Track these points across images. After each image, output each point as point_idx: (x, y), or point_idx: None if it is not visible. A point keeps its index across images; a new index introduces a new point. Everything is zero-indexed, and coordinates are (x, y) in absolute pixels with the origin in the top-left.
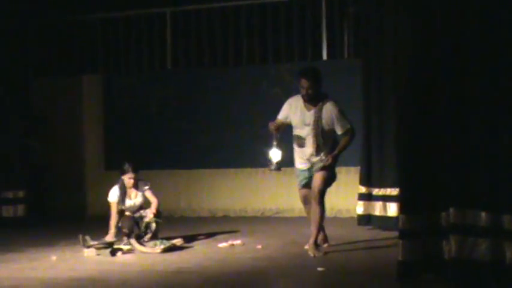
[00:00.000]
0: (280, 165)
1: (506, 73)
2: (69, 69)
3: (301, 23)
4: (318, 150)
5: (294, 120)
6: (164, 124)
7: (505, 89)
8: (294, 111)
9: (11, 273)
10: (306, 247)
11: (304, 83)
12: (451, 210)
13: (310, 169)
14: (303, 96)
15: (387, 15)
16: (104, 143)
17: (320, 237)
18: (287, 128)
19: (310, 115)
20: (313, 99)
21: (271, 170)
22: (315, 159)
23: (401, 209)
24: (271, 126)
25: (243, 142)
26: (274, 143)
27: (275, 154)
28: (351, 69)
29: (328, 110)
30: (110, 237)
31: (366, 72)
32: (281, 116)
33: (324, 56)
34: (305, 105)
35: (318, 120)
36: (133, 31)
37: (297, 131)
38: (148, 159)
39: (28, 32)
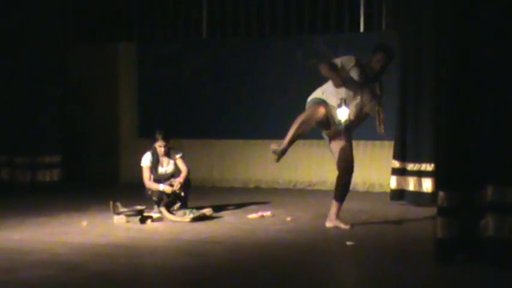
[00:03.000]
0: (349, 123)
1: None
2: (105, 35)
3: None
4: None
5: (354, 77)
6: (198, 93)
7: None
8: (359, 70)
9: (42, 237)
10: (328, 224)
11: (382, 58)
12: (490, 187)
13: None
14: (372, 68)
15: None
16: (138, 110)
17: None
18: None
19: (371, 86)
20: (376, 78)
21: (340, 129)
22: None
23: (440, 186)
24: (337, 79)
25: (277, 113)
26: (342, 100)
27: (343, 112)
28: (388, 41)
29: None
30: (168, 190)
31: (403, 44)
32: (341, 60)
33: (361, 28)
34: (366, 75)
35: (373, 98)
36: None
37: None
38: (182, 128)
39: None
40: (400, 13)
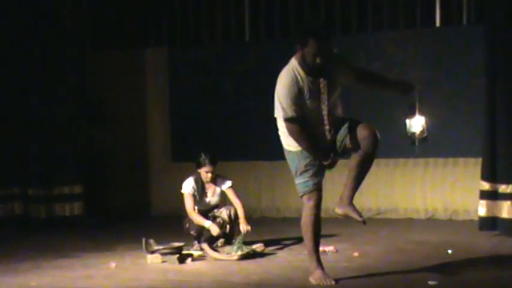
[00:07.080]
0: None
1: None
2: (130, 40)
3: None
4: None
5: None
6: (241, 106)
7: None
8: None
9: (63, 282)
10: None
11: (314, 47)
12: None
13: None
14: (313, 66)
15: None
16: (171, 129)
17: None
18: None
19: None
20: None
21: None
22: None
23: None
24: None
25: None
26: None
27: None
28: (470, 38)
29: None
30: (214, 231)
31: (490, 43)
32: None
33: (437, 22)
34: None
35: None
36: None
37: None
38: (223, 149)
39: None
40: (487, 5)
